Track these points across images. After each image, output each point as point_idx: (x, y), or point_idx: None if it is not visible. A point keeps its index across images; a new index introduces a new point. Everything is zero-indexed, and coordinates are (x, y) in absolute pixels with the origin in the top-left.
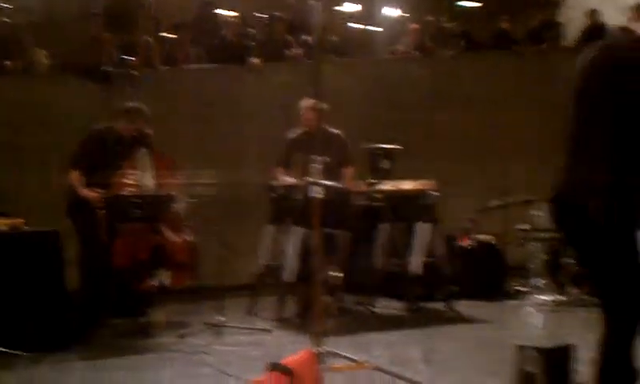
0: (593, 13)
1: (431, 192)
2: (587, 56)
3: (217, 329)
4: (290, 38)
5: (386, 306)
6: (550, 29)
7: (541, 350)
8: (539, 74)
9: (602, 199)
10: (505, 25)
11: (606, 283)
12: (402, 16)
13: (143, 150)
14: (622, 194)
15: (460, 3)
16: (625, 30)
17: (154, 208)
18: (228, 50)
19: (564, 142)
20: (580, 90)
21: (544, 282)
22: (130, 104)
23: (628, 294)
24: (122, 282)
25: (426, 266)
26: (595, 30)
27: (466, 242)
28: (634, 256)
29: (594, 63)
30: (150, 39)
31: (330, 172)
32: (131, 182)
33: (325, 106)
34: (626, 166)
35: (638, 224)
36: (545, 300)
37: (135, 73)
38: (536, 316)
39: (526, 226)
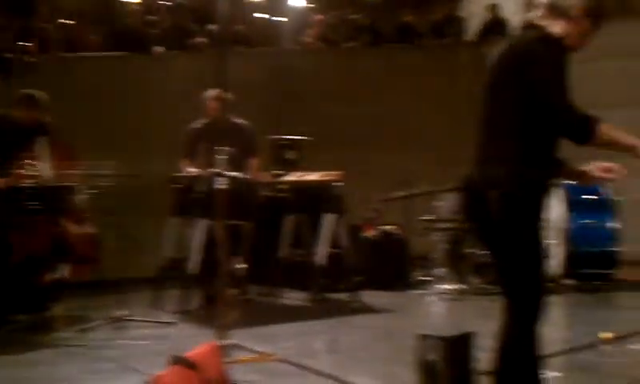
0: (493, 7)
1: (336, 183)
2: (498, 51)
3: (120, 323)
4: (194, 26)
5: (291, 297)
6: (453, 23)
7: (442, 339)
8: (442, 68)
9: (503, 190)
10: (408, 18)
11: (509, 272)
12: (307, 7)
13: (42, 139)
14: (524, 185)
15: None
16: (534, 26)
17: (53, 199)
18: (130, 37)
19: (476, 134)
20: (490, 84)
21: (446, 271)
22: (28, 91)
23: (529, 284)
24: (22, 277)
25: (331, 256)
26: (496, 24)
27: (370, 233)
28: (535, 246)
29: (504, 58)
30: (49, 25)
31: (235, 163)
32: (29, 172)
33: (229, 95)
34: (533, 159)
35: (542, 214)
36: (447, 289)
37: (33, 59)
38: (439, 305)
39: (429, 217)
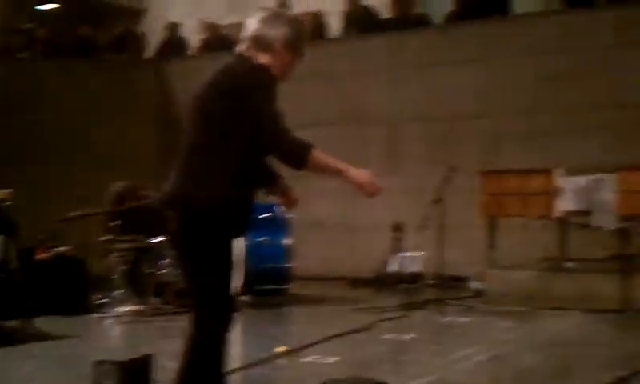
0: (173, 26)
1: (5, 202)
2: (208, 77)
3: None
4: None
5: None
6: (132, 39)
7: (118, 363)
8: (121, 84)
9: (198, 207)
10: (86, 31)
11: (196, 290)
12: None
13: None
14: (223, 203)
15: (40, 7)
16: (243, 56)
17: None
18: None
19: (180, 152)
20: (199, 107)
21: (126, 292)
22: None
23: (216, 302)
24: None
25: None
26: (175, 43)
27: (44, 255)
28: (223, 261)
29: (216, 84)
30: None
31: None
32: None
33: None
34: (237, 179)
35: (235, 234)
36: (126, 311)
37: None
38: (118, 328)
39: (107, 237)
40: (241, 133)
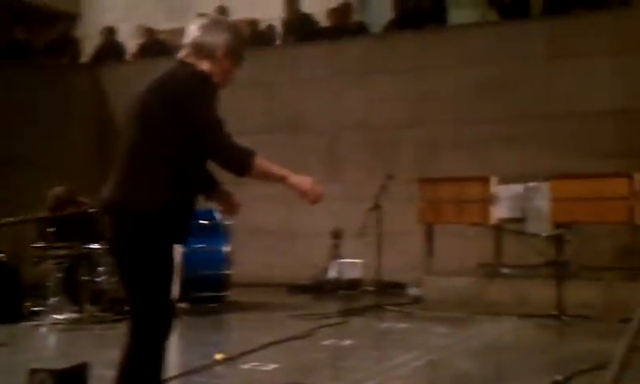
0: (109, 30)
1: None
2: (148, 82)
3: None
4: None
5: None
6: (68, 43)
7: (53, 371)
8: (56, 88)
9: (138, 212)
10: (20, 35)
11: (135, 297)
12: None
13: None
14: (162, 208)
15: None
16: (184, 62)
17: None
18: None
19: (119, 157)
20: (139, 113)
21: (61, 300)
22: None
23: (155, 309)
24: None
25: None
26: (111, 47)
27: None
28: (163, 267)
29: (157, 91)
30: None
31: None
32: None
33: None
34: (176, 184)
35: (175, 239)
36: (61, 319)
37: None
38: (51, 336)
39: (42, 244)
40: (181, 139)
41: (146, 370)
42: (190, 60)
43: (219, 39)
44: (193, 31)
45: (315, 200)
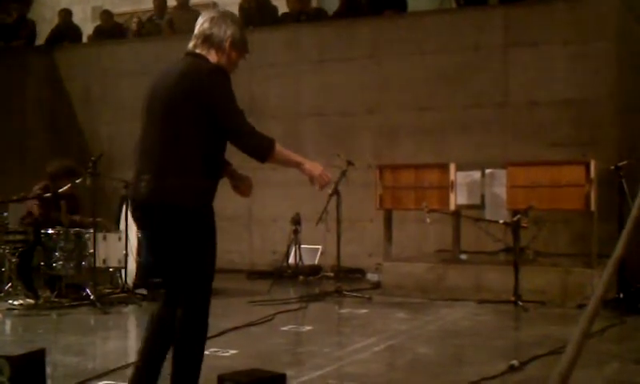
0: (65, 13)
1: None
2: (161, 73)
3: None
4: None
5: None
6: (24, 26)
7: (9, 358)
8: (11, 72)
9: (179, 201)
10: None
11: (190, 277)
12: None
13: None
14: (199, 195)
15: None
16: (198, 55)
17: None
18: None
19: (139, 150)
20: (160, 105)
21: (15, 285)
22: None
23: (208, 285)
24: None
25: None
26: (67, 29)
27: None
28: (210, 249)
29: (175, 81)
30: None
31: None
32: None
33: None
34: (205, 171)
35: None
36: (16, 305)
37: None
38: (7, 322)
39: None
40: (207, 128)
41: (204, 335)
42: (200, 50)
43: (227, 32)
44: (201, 24)
45: (324, 185)
